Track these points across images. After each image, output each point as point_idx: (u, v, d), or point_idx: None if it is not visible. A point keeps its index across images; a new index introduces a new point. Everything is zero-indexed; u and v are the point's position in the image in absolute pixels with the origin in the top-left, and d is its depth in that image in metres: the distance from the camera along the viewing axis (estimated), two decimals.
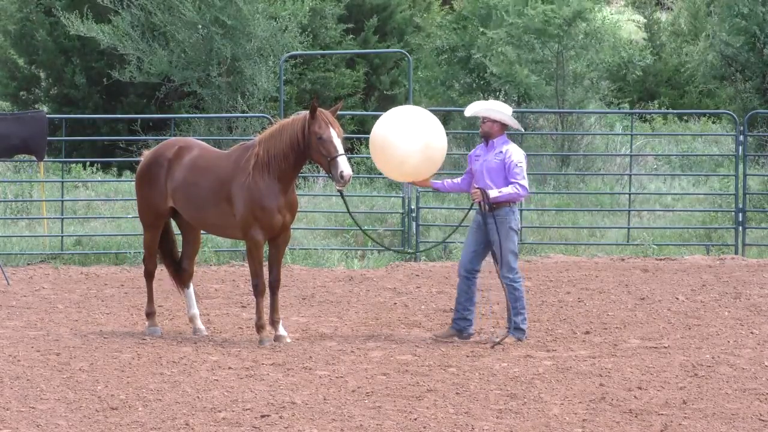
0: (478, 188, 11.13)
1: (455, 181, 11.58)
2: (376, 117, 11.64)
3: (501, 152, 11.14)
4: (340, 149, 10.81)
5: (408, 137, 11.04)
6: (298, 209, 11.61)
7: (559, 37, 24.25)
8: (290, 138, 10.96)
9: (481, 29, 25.69)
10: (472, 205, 11.59)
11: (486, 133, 11.21)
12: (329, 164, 10.87)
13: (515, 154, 11.12)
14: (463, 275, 11.34)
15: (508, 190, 11.06)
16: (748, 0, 25.25)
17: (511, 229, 11.15)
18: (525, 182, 11.11)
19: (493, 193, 11.04)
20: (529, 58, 24.72)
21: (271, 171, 11.00)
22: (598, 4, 25.34)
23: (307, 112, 10.95)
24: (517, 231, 11.26)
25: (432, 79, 27.11)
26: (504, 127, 11.25)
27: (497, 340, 11.16)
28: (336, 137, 10.84)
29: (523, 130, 11.35)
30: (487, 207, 11.10)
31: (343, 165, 10.79)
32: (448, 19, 27.64)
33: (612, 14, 29.67)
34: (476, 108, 11.39)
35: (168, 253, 11.93)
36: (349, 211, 12.23)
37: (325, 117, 10.90)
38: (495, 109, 11.26)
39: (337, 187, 11.03)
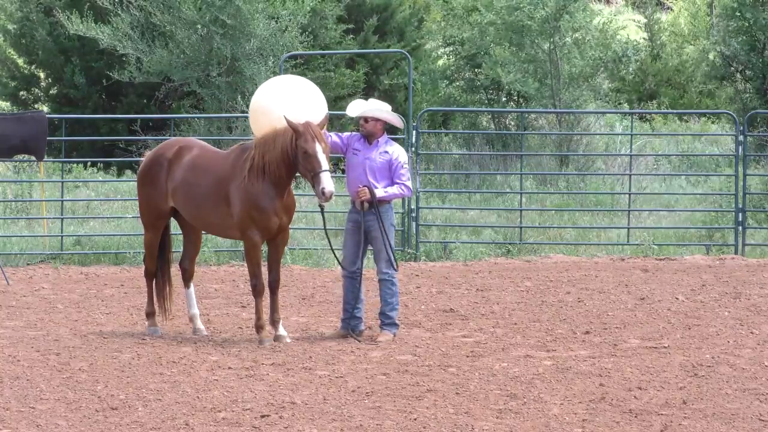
0: (365, 186, 11.26)
1: (333, 139, 11.51)
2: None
3: (386, 152, 11.37)
4: (325, 165, 10.75)
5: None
6: (298, 209, 11.61)
7: (548, 35, 24.20)
8: (282, 149, 10.92)
9: (476, 19, 25.67)
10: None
11: (370, 132, 11.37)
12: (312, 179, 10.85)
13: (402, 155, 11.39)
14: (347, 276, 11.54)
15: (393, 190, 11.34)
16: (751, 6, 25.27)
17: (391, 225, 11.45)
18: (409, 183, 11.46)
19: (380, 192, 11.26)
20: (521, 57, 24.70)
21: (265, 175, 11.00)
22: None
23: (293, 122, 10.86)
24: (395, 227, 11.63)
25: (435, 71, 27.07)
26: (385, 125, 11.45)
27: (380, 341, 11.32)
28: (321, 152, 10.77)
29: (403, 126, 11.62)
30: (367, 205, 11.27)
31: (326, 181, 10.72)
32: (454, 8, 27.58)
33: (611, 14, 29.65)
34: (362, 108, 11.50)
35: (163, 254, 11.96)
36: (325, 228, 12.04)
37: (312, 131, 10.83)
38: (378, 108, 11.42)
39: (320, 203, 11.07)
